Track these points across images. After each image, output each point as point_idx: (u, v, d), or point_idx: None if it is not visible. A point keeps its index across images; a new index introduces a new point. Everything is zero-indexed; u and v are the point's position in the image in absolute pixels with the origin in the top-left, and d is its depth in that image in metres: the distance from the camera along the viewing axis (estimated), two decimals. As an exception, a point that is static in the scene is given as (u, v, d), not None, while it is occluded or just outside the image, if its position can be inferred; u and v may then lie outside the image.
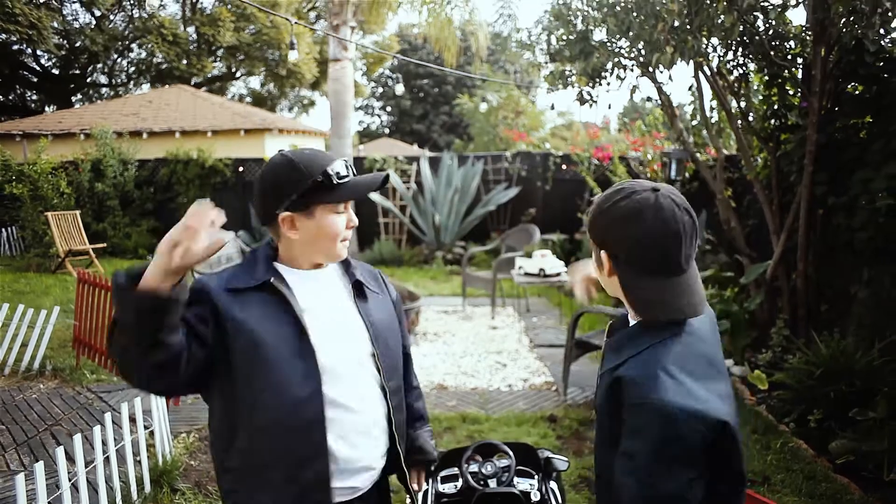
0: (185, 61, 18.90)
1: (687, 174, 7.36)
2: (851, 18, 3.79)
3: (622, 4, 4.34)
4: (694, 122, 6.11)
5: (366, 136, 29.74)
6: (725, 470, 1.03)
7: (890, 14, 3.78)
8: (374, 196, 9.60)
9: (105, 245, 9.73)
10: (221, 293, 1.26)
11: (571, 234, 9.12)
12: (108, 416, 2.63)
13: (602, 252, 1.11)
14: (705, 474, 0.99)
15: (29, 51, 17.78)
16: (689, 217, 1.05)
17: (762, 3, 3.96)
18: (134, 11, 19.19)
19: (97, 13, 18.42)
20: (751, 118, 4.78)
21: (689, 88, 5.32)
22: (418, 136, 27.92)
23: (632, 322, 1.16)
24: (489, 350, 5.27)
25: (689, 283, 1.07)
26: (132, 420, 3.16)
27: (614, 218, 1.07)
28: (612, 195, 1.10)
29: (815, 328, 4.20)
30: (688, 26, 4.01)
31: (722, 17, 3.91)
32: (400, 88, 11.71)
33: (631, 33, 4.30)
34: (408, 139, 26.94)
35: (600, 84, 4.84)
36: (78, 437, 2.37)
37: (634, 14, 4.26)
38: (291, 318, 1.27)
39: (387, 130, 30.97)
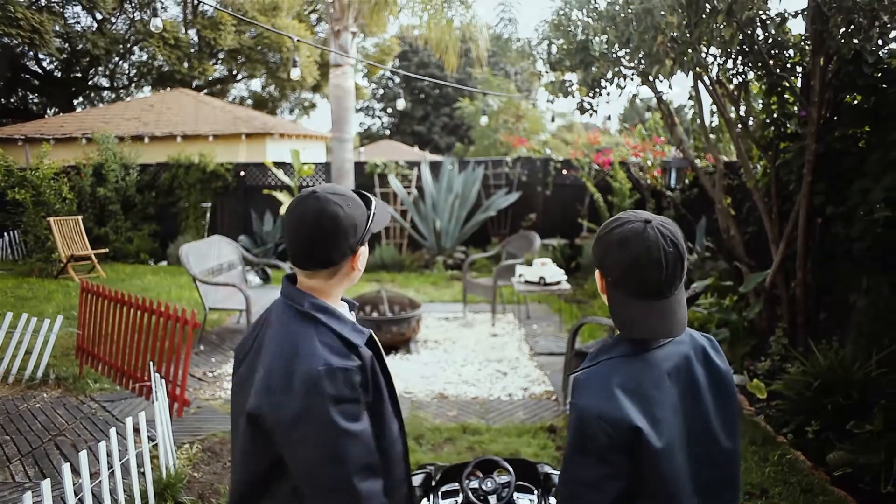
0: (186, 64, 18.96)
1: (687, 181, 7.39)
2: (850, 29, 3.81)
3: (622, 16, 4.37)
4: (694, 126, 6.13)
5: (366, 137, 29.78)
6: (649, 483, 1.12)
7: (888, 26, 3.80)
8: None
9: (107, 250, 9.77)
10: (354, 363, 1.25)
11: (572, 240, 9.14)
12: (112, 431, 2.65)
13: (598, 272, 1.27)
14: (622, 475, 1.11)
15: (31, 54, 17.83)
16: (674, 249, 1.16)
17: (761, 16, 3.98)
18: (135, 14, 19.24)
19: (99, 16, 18.47)
20: (751, 124, 4.80)
21: (689, 98, 5.34)
22: (419, 138, 27.94)
23: None
24: (490, 358, 5.30)
25: (667, 309, 1.18)
26: (136, 431, 3.19)
27: (608, 243, 1.21)
28: (610, 223, 1.24)
29: (814, 336, 4.23)
30: (687, 36, 4.04)
31: (722, 25, 3.94)
32: (402, 103, 11.74)
33: (631, 45, 4.32)
34: (408, 140, 26.96)
35: (600, 94, 4.87)
36: (84, 454, 2.40)
37: (634, 25, 4.28)
38: (383, 366, 1.35)
39: (387, 132, 31.00)
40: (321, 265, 1.30)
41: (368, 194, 1.40)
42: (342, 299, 1.46)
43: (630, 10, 4.32)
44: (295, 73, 6.24)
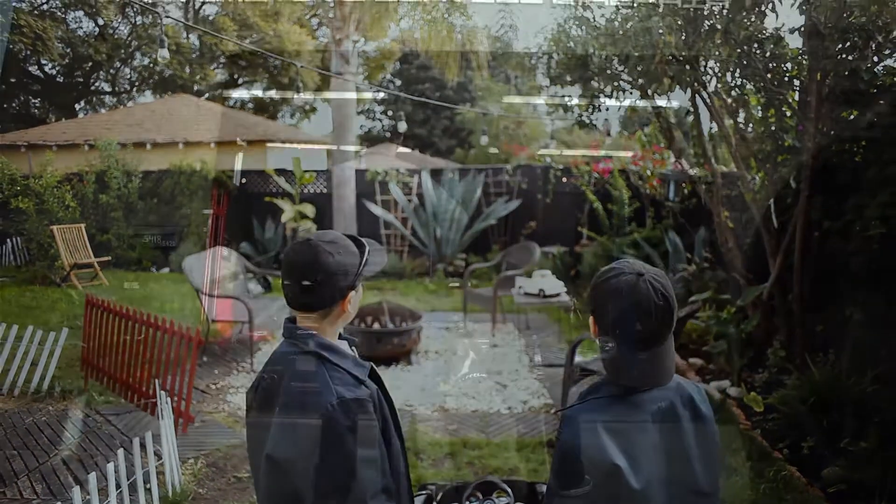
0: (187, 69, 19.02)
1: (686, 191, 7.43)
2: (846, 46, 3.85)
3: (620, 33, 4.42)
4: (694, 133, 6.15)
5: (367, 139, 29.81)
6: None
7: (883, 44, 3.85)
8: (376, 209, 9.69)
9: (109, 258, 9.82)
10: (364, 393, 1.34)
11: (571, 247, 9.18)
12: (121, 453, 2.70)
13: (591, 317, 1.33)
14: None
15: (33, 59, 17.89)
16: (664, 303, 1.22)
17: (758, 35, 4.03)
18: (137, 19, 19.30)
19: (101, 21, 18.54)
20: (749, 131, 4.83)
21: (687, 113, 5.39)
22: (420, 141, 27.96)
23: None
24: (490, 370, 5.34)
25: (654, 359, 1.25)
26: (142, 446, 3.24)
27: (601, 292, 1.27)
28: (605, 272, 1.29)
29: (811, 349, 4.26)
30: (685, 54, 4.09)
31: (719, 41, 3.99)
32: (403, 126, 11.90)
33: (630, 62, 4.38)
34: (409, 143, 26.98)
35: (599, 110, 4.92)
36: (93, 476, 2.45)
37: (633, 43, 4.33)
38: (386, 394, 1.46)
39: (388, 134, 31.04)
40: (313, 308, 1.40)
41: (363, 239, 1.50)
42: (341, 336, 1.53)
43: (629, 28, 4.38)
44: (298, 97, 6.33)
